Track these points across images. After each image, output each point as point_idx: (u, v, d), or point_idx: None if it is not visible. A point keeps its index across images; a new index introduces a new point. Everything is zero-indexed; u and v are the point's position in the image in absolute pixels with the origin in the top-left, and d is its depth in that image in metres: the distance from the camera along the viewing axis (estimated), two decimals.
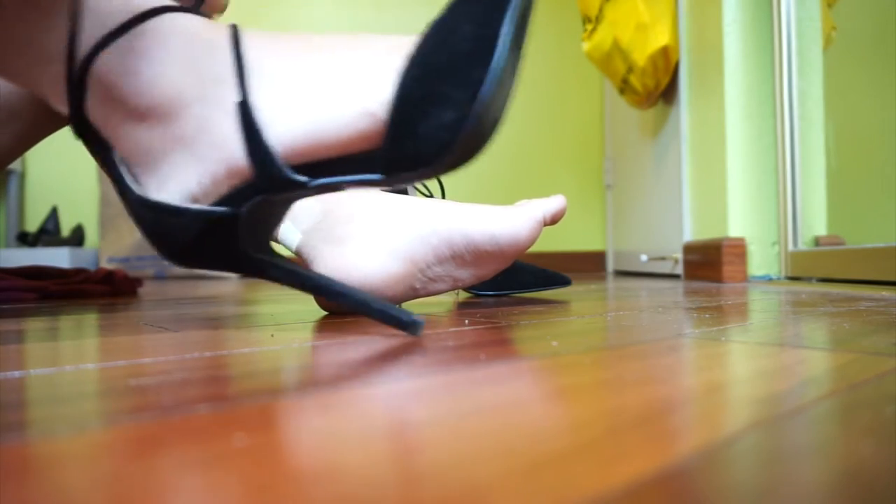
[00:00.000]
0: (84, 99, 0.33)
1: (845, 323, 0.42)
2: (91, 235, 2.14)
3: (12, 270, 0.79)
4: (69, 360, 0.29)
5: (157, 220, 0.34)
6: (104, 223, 2.01)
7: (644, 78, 1.40)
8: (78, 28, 0.32)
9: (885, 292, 0.73)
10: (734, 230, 1.19)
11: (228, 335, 0.38)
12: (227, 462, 0.15)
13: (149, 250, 1.97)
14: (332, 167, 0.33)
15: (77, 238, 2.05)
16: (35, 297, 0.75)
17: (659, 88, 1.43)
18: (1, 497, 0.13)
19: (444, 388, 0.23)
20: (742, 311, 0.53)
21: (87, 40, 0.32)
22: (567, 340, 0.34)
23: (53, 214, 2.05)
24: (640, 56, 1.36)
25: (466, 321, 0.44)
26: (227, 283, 1.45)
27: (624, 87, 1.47)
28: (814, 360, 0.28)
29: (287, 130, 0.32)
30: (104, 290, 0.83)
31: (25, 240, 2.00)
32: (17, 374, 0.26)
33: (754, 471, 0.14)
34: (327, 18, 2.12)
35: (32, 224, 2.12)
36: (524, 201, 0.60)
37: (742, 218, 1.19)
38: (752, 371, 0.26)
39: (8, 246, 2.05)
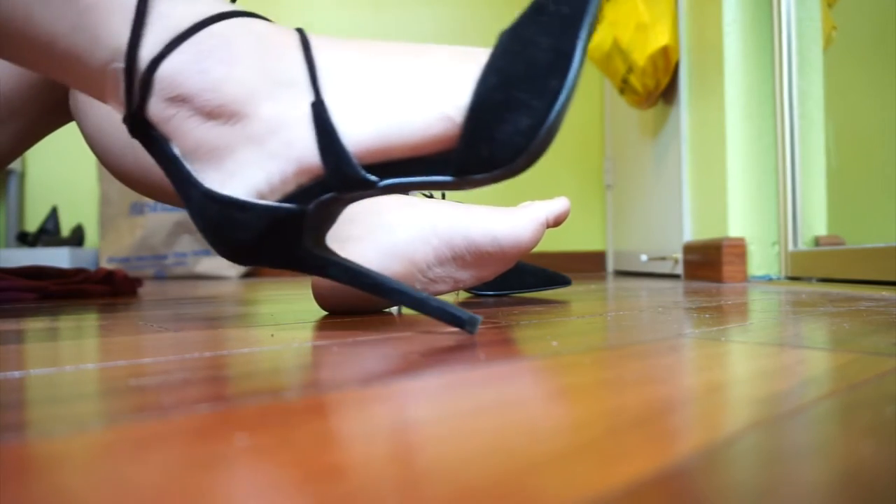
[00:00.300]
0: (148, 98, 0.34)
1: (845, 323, 0.42)
2: (91, 235, 2.14)
3: (12, 270, 0.79)
4: (69, 361, 0.29)
5: (222, 215, 0.34)
6: (104, 223, 2.02)
7: (644, 78, 1.40)
8: (144, 30, 0.33)
9: (885, 292, 0.73)
10: (734, 230, 1.19)
11: (228, 335, 0.38)
12: (227, 462, 0.15)
13: (149, 250, 1.97)
14: (403, 168, 0.34)
15: (77, 238, 2.05)
16: (35, 297, 0.75)
17: (659, 88, 1.43)
18: (1, 497, 0.13)
19: (444, 388, 0.23)
20: (742, 311, 0.53)
21: (155, 41, 0.33)
22: (567, 340, 0.34)
23: (53, 214, 2.05)
24: (640, 56, 1.36)
25: None
26: (227, 284, 1.45)
27: (624, 87, 1.47)
28: (814, 360, 0.28)
29: (361, 130, 0.33)
30: (104, 290, 0.83)
31: (25, 240, 2.00)
32: (17, 374, 0.26)
33: (754, 471, 0.14)
34: (328, 19, 2.12)
35: (32, 224, 2.12)
36: (527, 203, 0.60)
37: (742, 218, 1.19)
38: (752, 371, 0.26)
39: (8, 246, 2.05)
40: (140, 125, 0.35)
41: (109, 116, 0.62)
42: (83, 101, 0.63)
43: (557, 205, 0.59)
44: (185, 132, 0.34)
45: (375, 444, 0.16)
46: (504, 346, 0.33)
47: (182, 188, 0.35)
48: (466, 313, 0.36)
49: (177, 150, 0.34)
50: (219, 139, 0.34)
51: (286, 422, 0.18)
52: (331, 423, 0.18)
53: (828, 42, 1.19)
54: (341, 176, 0.33)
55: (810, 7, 1.15)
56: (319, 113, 0.33)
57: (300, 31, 0.35)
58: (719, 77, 1.21)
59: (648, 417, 0.18)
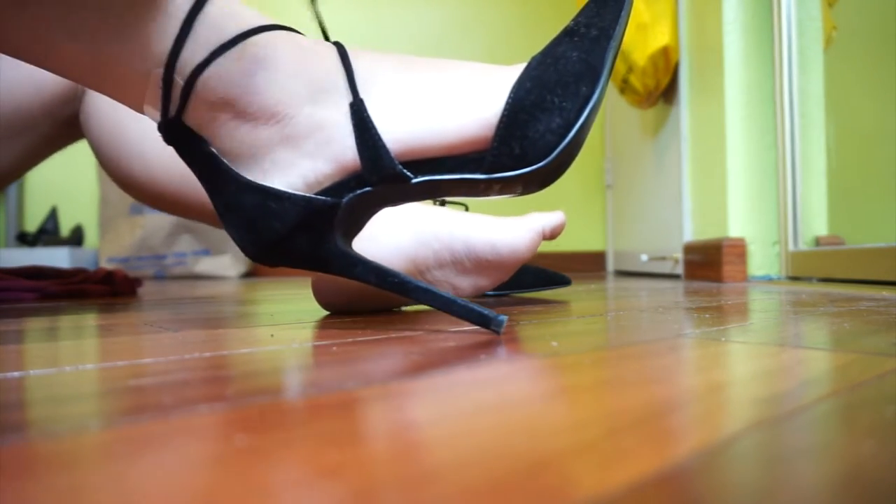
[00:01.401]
0: (189, 102, 0.35)
1: (846, 323, 0.42)
2: (90, 235, 2.14)
3: (12, 270, 0.79)
4: (69, 361, 0.29)
5: (257, 204, 0.35)
6: (103, 223, 2.01)
7: (644, 78, 1.40)
8: (189, 39, 0.34)
9: (885, 292, 0.73)
10: (734, 230, 1.19)
11: (228, 335, 0.38)
12: (226, 462, 0.15)
13: (148, 250, 1.97)
14: (437, 165, 0.35)
15: (76, 238, 2.05)
16: (35, 297, 0.75)
17: (659, 88, 1.43)
18: (1, 497, 0.12)
19: (443, 387, 0.23)
20: (742, 311, 0.53)
21: (200, 48, 0.34)
22: (567, 340, 0.34)
23: (53, 214, 2.04)
24: (640, 56, 1.36)
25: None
26: (227, 283, 1.45)
27: (624, 87, 1.47)
28: (814, 360, 0.28)
29: (397, 127, 0.35)
30: (104, 290, 0.83)
31: (25, 240, 2.00)
32: (16, 374, 0.26)
33: (754, 471, 0.14)
34: (329, 20, 2.12)
35: (32, 224, 2.12)
36: (525, 216, 0.61)
37: (742, 218, 1.19)
38: (753, 371, 0.26)
39: (8, 246, 2.05)
40: (176, 129, 0.36)
41: (120, 127, 0.63)
42: (92, 113, 0.64)
43: (554, 218, 0.62)
44: (224, 134, 0.35)
45: (375, 445, 0.16)
46: (504, 346, 0.33)
47: (216, 184, 0.36)
48: (493, 312, 0.36)
49: (214, 149, 0.36)
50: (257, 139, 0.35)
51: (286, 422, 0.18)
52: (331, 424, 0.18)
53: (828, 42, 1.19)
54: (377, 170, 0.35)
55: (810, 7, 1.15)
56: (358, 110, 0.35)
57: (337, 43, 0.37)
58: (719, 77, 1.21)
59: (648, 417, 0.18)
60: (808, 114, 1.15)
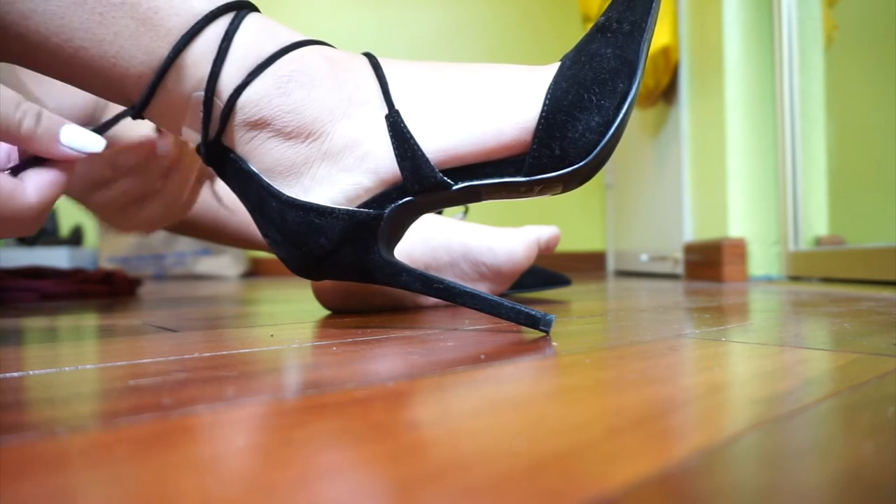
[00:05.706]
0: (229, 124, 0.35)
1: (846, 323, 0.42)
2: (90, 235, 2.14)
3: (12, 270, 0.79)
4: (68, 361, 0.29)
5: (302, 221, 0.35)
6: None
7: (644, 78, 1.40)
8: (226, 61, 0.33)
9: (886, 292, 0.73)
10: (734, 230, 1.19)
11: (228, 335, 0.38)
12: (226, 462, 0.15)
13: (148, 250, 1.97)
14: (476, 171, 0.35)
15: (76, 238, 2.05)
16: (34, 297, 0.75)
17: (659, 88, 1.43)
18: (1, 497, 0.12)
19: (444, 388, 0.23)
20: (742, 311, 0.53)
21: (237, 70, 0.34)
22: (567, 340, 0.34)
23: (52, 214, 2.04)
24: None
25: (466, 321, 0.44)
26: (227, 283, 1.45)
27: None
28: (815, 360, 0.28)
29: (435, 136, 0.35)
30: (103, 290, 0.83)
31: (24, 240, 2.00)
32: (16, 374, 0.26)
33: (755, 471, 0.14)
34: (328, 20, 2.12)
35: None
36: (522, 228, 0.64)
37: (742, 218, 1.19)
38: (753, 371, 0.26)
39: (7, 246, 2.05)
40: (216, 150, 0.36)
41: None
42: None
43: (549, 230, 0.64)
44: (264, 152, 0.35)
45: (375, 445, 0.16)
46: (504, 347, 0.33)
47: (258, 203, 0.36)
48: (540, 313, 0.36)
49: (255, 168, 0.36)
50: (296, 157, 0.35)
51: (286, 422, 0.18)
52: (330, 424, 0.18)
53: (829, 41, 1.19)
54: (418, 180, 0.35)
55: (811, 6, 1.15)
56: (395, 122, 0.35)
57: (368, 54, 0.37)
58: (719, 77, 1.21)
59: (648, 417, 0.18)
60: (808, 114, 1.15)
